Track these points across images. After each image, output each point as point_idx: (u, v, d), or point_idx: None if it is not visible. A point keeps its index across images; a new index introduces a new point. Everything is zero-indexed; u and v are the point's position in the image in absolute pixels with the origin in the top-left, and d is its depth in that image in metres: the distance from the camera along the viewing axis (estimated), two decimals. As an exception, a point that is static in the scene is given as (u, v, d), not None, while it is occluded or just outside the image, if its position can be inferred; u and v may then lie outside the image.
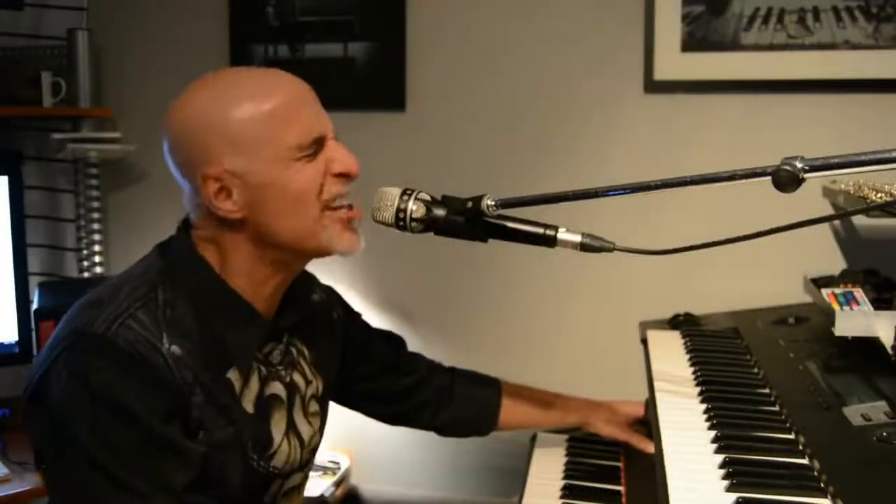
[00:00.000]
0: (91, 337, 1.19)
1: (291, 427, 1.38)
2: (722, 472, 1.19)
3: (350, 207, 1.30)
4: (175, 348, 1.22)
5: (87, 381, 1.16)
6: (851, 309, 1.53)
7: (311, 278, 1.53)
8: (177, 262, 1.30)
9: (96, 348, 1.18)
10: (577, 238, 1.29)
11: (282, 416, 1.37)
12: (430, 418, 1.75)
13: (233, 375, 1.29)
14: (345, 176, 1.29)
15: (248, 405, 1.31)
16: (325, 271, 1.62)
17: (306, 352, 1.45)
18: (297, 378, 1.41)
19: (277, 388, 1.37)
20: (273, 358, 1.37)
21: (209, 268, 1.29)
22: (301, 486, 1.46)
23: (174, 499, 1.18)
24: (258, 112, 1.23)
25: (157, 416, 1.18)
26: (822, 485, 1.14)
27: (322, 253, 1.31)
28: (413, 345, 1.78)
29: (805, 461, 1.22)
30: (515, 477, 1.82)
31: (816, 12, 2.19)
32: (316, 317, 1.50)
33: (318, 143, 1.27)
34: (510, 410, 1.79)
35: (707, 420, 1.38)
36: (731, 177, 1.16)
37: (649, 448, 1.66)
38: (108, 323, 1.19)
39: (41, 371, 1.21)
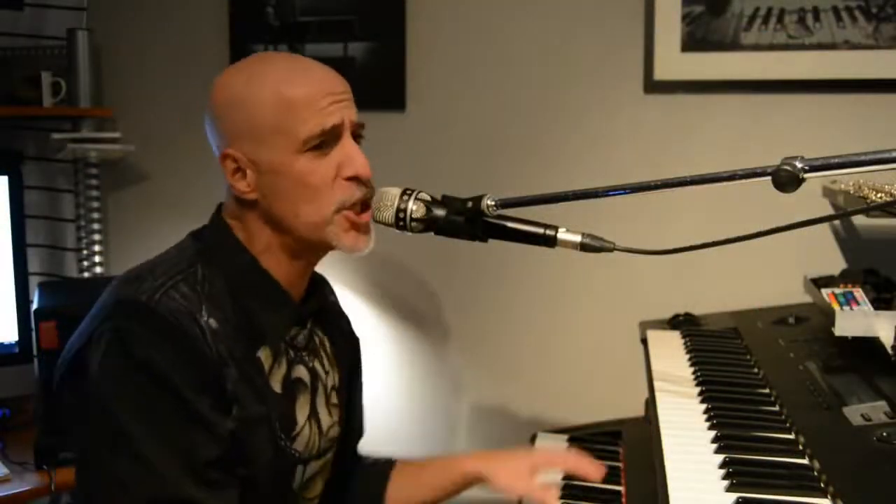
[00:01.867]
0: (135, 304, 1.22)
1: (314, 412, 1.40)
2: (722, 472, 1.19)
3: (363, 209, 1.31)
4: (212, 321, 1.24)
5: (127, 346, 1.20)
6: (851, 309, 1.53)
7: (326, 281, 1.55)
8: (212, 243, 1.34)
9: (139, 315, 1.21)
10: (577, 238, 1.29)
11: (306, 400, 1.39)
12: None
13: (263, 354, 1.31)
14: (354, 179, 1.30)
15: (276, 385, 1.33)
16: (325, 269, 1.62)
17: (327, 342, 1.47)
18: (318, 366, 1.43)
19: (302, 371, 1.39)
20: (298, 342, 1.39)
21: (244, 249, 1.33)
22: (318, 475, 1.45)
23: (195, 471, 1.20)
24: (280, 99, 1.26)
25: (190, 388, 1.20)
26: (822, 485, 1.14)
27: (326, 247, 1.34)
28: (413, 344, 1.78)
29: (805, 461, 1.22)
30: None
31: (816, 12, 2.19)
32: (332, 312, 1.53)
33: (332, 135, 1.28)
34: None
35: (707, 420, 1.38)
36: (731, 177, 1.16)
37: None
38: (151, 292, 1.23)
39: (82, 341, 1.25)
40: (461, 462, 1.51)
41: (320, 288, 1.48)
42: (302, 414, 1.37)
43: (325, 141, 1.27)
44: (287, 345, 1.37)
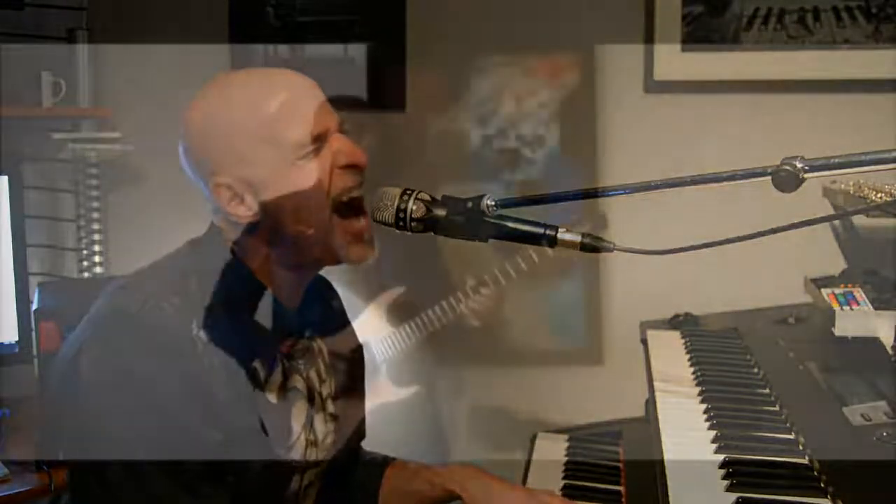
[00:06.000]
0: (124, 316, 1.22)
1: (310, 422, 1.40)
2: (722, 472, 1.19)
3: (360, 215, 1.31)
4: (203, 334, 1.23)
5: (115, 359, 1.20)
6: (851, 309, 1.53)
7: (331, 285, 1.55)
8: (207, 254, 1.32)
9: (128, 328, 1.21)
10: (577, 238, 1.29)
11: (302, 410, 1.38)
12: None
13: (258, 365, 1.31)
14: (352, 167, 1.29)
15: (272, 395, 1.32)
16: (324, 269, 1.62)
17: (324, 350, 1.46)
18: (314, 374, 1.42)
19: (298, 381, 1.38)
20: (295, 352, 1.39)
21: (239, 262, 1.31)
22: (314, 483, 1.45)
23: (184, 482, 1.20)
24: (259, 117, 1.24)
25: (177, 401, 1.20)
26: (822, 485, 1.14)
27: (333, 261, 1.33)
28: (413, 344, 1.78)
29: (805, 461, 1.22)
30: (515, 477, 1.82)
31: (816, 12, 2.19)
32: (334, 317, 1.52)
33: (321, 139, 1.27)
34: None
35: (707, 420, 1.38)
36: (731, 177, 1.15)
37: None
38: (142, 304, 1.22)
39: (73, 351, 1.23)
40: (448, 479, 1.47)
41: (320, 294, 1.47)
42: (298, 423, 1.37)
43: (319, 145, 1.27)
44: (283, 355, 1.36)
